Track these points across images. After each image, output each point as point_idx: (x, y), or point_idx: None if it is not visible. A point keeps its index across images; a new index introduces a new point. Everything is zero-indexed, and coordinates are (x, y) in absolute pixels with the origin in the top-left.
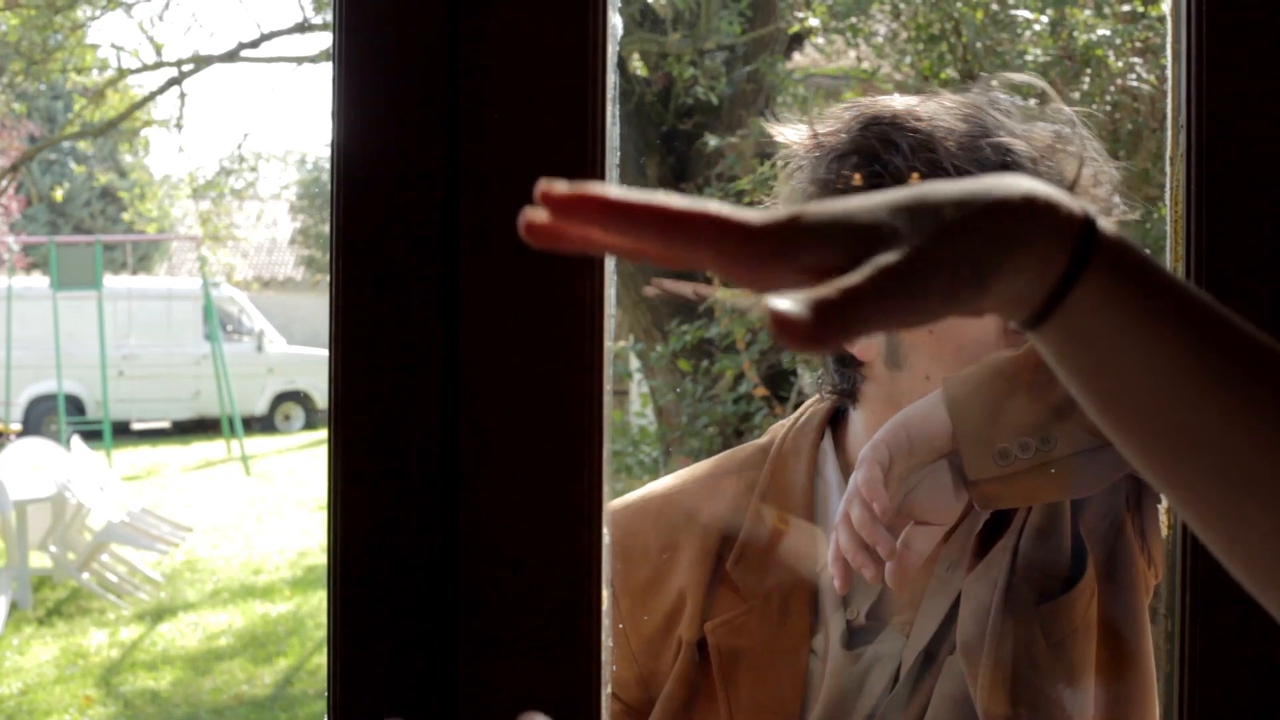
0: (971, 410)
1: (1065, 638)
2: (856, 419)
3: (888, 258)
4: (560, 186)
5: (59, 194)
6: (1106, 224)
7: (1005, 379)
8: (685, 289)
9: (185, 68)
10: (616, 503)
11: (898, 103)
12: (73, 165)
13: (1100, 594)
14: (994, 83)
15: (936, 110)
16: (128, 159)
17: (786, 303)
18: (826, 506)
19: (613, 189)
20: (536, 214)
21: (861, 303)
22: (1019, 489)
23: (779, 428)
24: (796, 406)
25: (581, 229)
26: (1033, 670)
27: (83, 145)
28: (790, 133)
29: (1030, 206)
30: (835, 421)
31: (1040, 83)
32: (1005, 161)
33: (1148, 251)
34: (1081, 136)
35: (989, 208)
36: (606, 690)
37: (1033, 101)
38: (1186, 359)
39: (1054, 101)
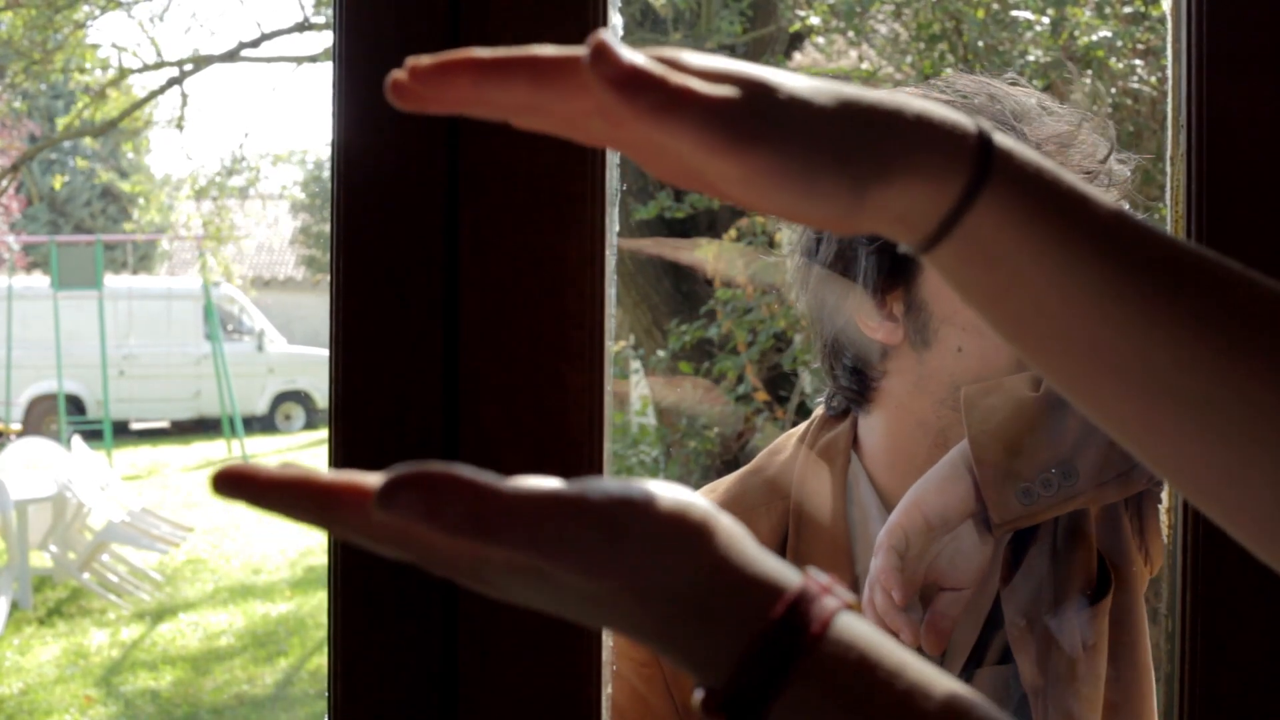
0: (993, 449)
1: (1095, 643)
2: (873, 425)
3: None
4: (426, 60)
5: (58, 183)
6: (1004, 139)
7: (1027, 411)
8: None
9: (186, 67)
10: None
11: (911, 89)
12: (74, 163)
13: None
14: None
15: (951, 85)
16: (130, 157)
17: (626, 49)
18: (866, 531)
19: (477, 49)
20: (403, 76)
21: (686, 100)
22: (1040, 515)
23: (787, 444)
24: (798, 409)
25: (453, 90)
26: (1070, 677)
27: (86, 142)
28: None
29: (921, 123)
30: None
31: (1080, 75)
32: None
33: (1044, 162)
34: (1106, 126)
35: (874, 115)
36: (607, 690)
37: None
38: (1097, 272)
39: (1072, 95)
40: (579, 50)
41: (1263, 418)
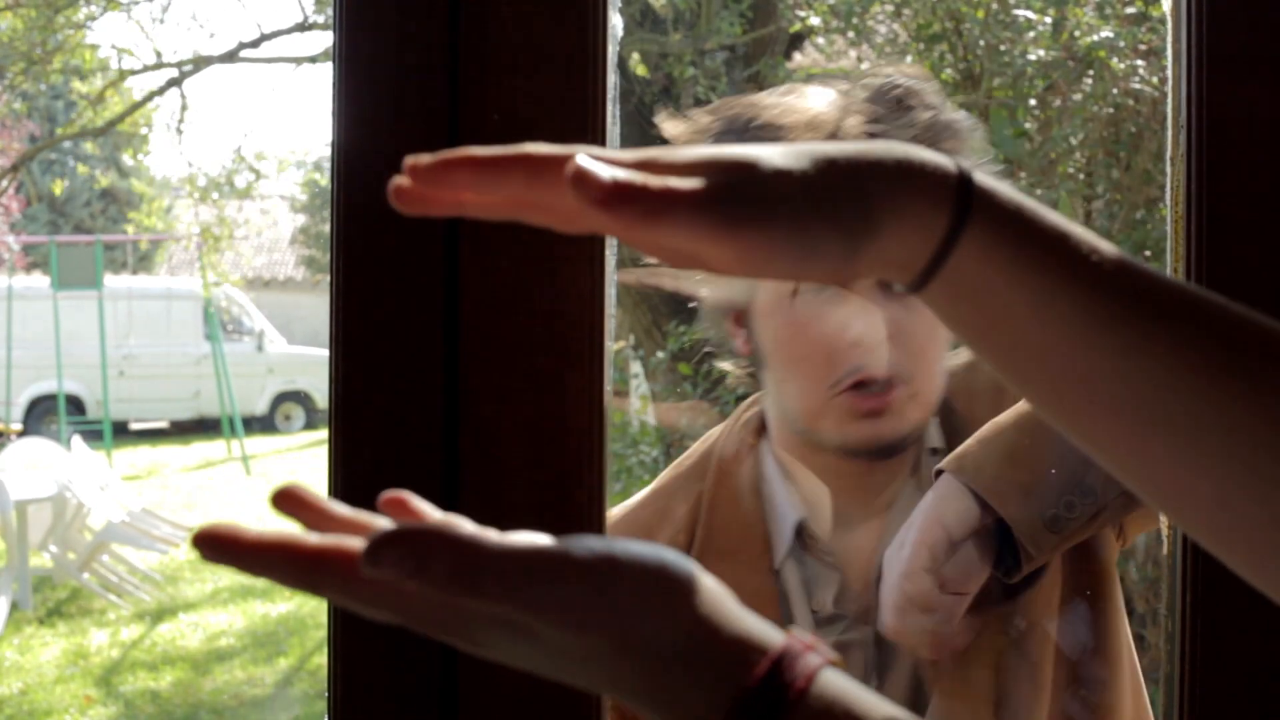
0: (1012, 495)
1: (1035, 621)
2: (767, 402)
3: (735, 183)
4: (425, 159)
5: (59, 188)
6: (984, 178)
7: (1020, 456)
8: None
9: (185, 68)
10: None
11: (757, 97)
12: (74, 164)
13: (1072, 569)
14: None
15: (787, 102)
16: (129, 161)
17: (599, 164)
18: (774, 504)
19: (474, 148)
20: (404, 180)
21: (671, 201)
22: (1072, 538)
23: (714, 433)
24: None
25: (451, 192)
26: (1004, 663)
27: (87, 146)
28: (671, 126)
29: (902, 170)
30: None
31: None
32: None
33: (1024, 199)
34: (926, 104)
35: (856, 170)
36: None
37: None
38: (1081, 302)
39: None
40: (571, 150)
41: (1249, 442)
